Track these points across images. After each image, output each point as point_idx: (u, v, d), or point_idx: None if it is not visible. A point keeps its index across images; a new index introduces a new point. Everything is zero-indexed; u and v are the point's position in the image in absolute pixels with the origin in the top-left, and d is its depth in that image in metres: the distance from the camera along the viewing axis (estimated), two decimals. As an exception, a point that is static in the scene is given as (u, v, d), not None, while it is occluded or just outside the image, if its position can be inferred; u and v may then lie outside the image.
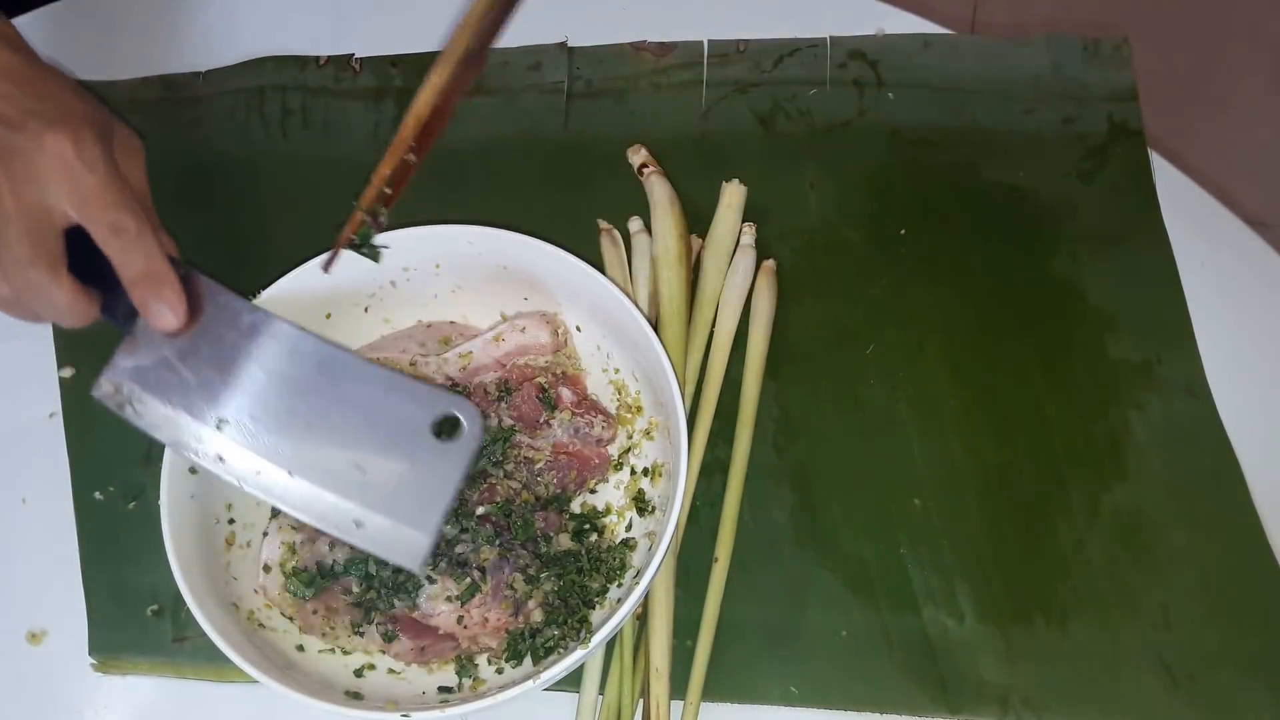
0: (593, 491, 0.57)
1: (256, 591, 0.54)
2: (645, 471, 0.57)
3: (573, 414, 0.57)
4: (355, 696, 0.51)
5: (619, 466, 0.58)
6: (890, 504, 0.59)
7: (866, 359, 0.63)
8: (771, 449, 0.61)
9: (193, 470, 0.53)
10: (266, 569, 0.54)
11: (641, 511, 0.56)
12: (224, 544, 0.54)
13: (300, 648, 0.53)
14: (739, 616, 0.56)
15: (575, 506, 0.57)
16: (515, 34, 0.73)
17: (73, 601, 0.58)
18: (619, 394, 0.59)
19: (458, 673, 0.53)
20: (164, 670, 0.57)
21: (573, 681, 0.55)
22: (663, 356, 0.53)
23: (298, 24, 0.75)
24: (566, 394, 0.58)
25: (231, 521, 0.55)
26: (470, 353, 0.58)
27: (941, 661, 0.55)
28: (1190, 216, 0.66)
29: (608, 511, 0.57)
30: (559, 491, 0.56)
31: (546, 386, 0.57)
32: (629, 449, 0.58)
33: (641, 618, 0.56)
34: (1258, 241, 0.65)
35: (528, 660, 0.52)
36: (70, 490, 0.61)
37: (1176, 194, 0.67)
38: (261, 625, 0.53)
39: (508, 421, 0.57)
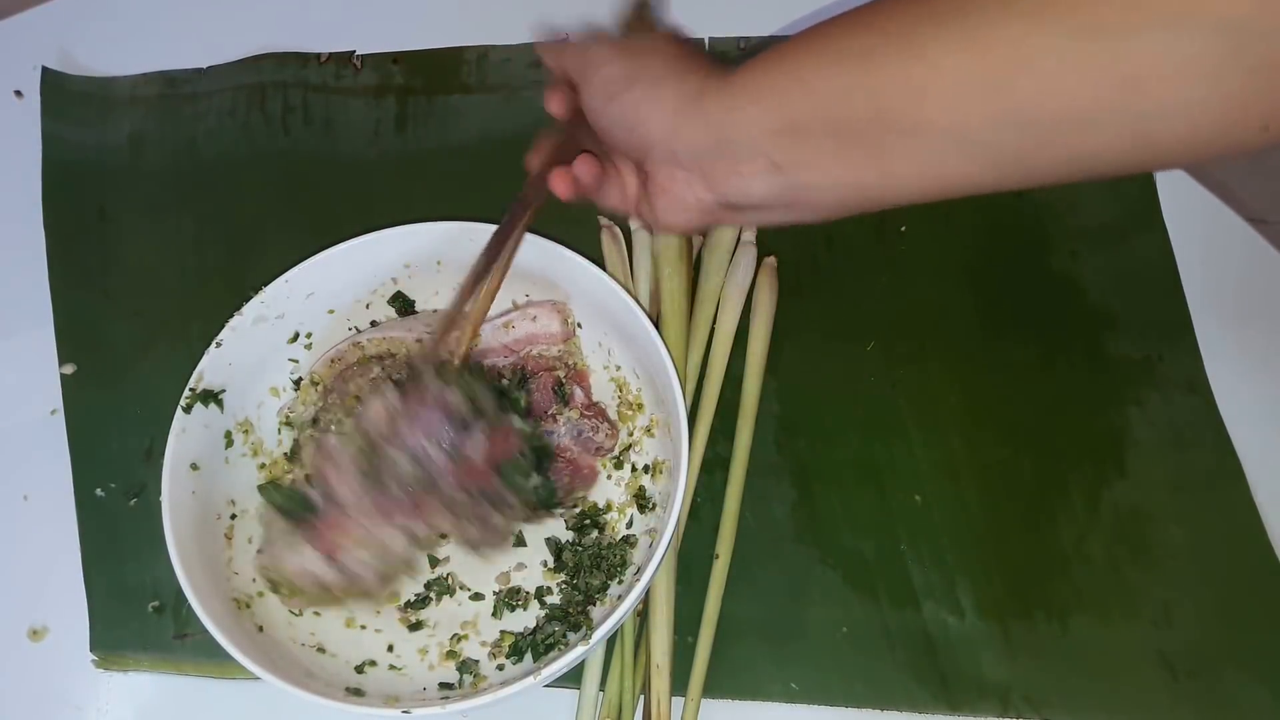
0: (574, 506, 0.57)
1: (254, 580, 0.54)
2: (646, 469, 0.57)
3: (581, 414, 0.57)
4: (356, 693, 0.50)
5: (620, 464, 0.58)
6: (890, 500, 0.59)
7: (867, 355, 0.63)
8: (772, 445, 0.61)
9: (194, 466, 0.53)
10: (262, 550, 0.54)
11: (642, 508, 0.56)
12: (224, 539, 0.54)
13: (302, 644, 0.53)
14: (740, 613, 0.56)
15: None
16: (516, 32, 0.73)
17: (74, 598, 0.58)
18: (620, 391, 0.59)
19: (458, 669, 0.53)
20: (165, 667, 0.57)
21: (574, 678, 0.55)
22: (664, 353, 0.53)
23: (299, 21, 0.75)
24: (579, 394, 0.58)
25: (234, 517, 0.55)
26: (479, 336, 0.58)
27: (942, 658, 0.55)
28: (1190, 213, 0.66)
29: (609, 508, 0.57)
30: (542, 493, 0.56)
31: (564, 380, 0.57)
32: (630, 446, 0.58)
33: (642, 614, 0.56)
34: (1257, 238, 0.66)
35: (528, 657, 0.52)
36: (71, 487, 0.61)
37: (1176, 191, 0.67)
38: (262, 628, 0.53)
39: (525, 406, 0.56)
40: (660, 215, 0.47)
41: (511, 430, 0.51)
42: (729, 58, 0.72)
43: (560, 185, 0.50)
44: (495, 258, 0.51)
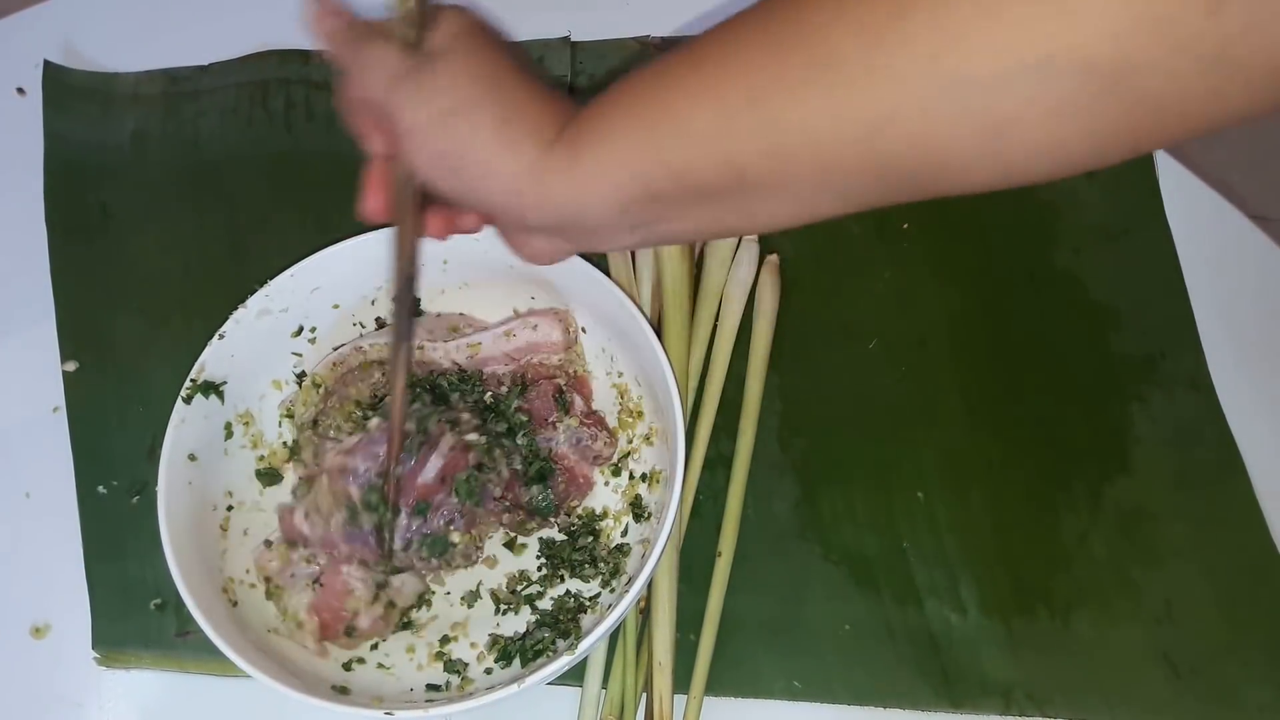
0: (568, 514, 0.57)
1: (247, 571, 0.54)
2: (644, 477, 0.57)
3: (580, 422, 0.57)
4: (342, 691, 0.50)
5: (617, 471, 0.58)
6: (893, 497, 0.59)
7: (870, 353, 0.63)
8: (775, 443, 0.61)
9: (192, 457, 0.53)
10: (268, 544, 0.54)
11: (638, 517, 0.56)
12: (220, 531, 0.54)
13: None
14: (742, 610, 0.56)
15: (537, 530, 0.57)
16: (519, 28, 0.73)
17: (76, 596, 0.58)
18: (621, 398, 0.59)
19: (446, 670, 0.53)
20: (167, 664, 0.57)
21: (576, 675, 0.55)
22: (664, 364, 0.53)
23: (300, 18, 0.75)
24: (579, 402, 0.57)
25: (230, 509, 0.55)
26: (479, 344, 0.58)
27: (944, 655, 0.55)
28: (1193, 211, 0.66)
29: (604, 515, 0.57)
30: (540, 503, 0.56)
31: (565, 388, 0.57)
32: (629, 453, 0.58)
33: (644, 611, 0.56)
34: (1260, 236, 0.66)
35: (516, 662, 0.52)
36: (73, 485, 0.61)
37: (1179, 188, 0.67)
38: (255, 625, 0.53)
39: (520, 418, 0.56)
40: (517, 254, 0.44)
41: (464, 446, 0.52)
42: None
43: (438, 231, 0.46)
44: (408, 336, 0.48)
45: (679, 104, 0.36)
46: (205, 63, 0.73)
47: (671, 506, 0.50)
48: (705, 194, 0.37)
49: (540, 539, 0.56)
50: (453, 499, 0.52)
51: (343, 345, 0.59)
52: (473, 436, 0.53)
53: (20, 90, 0.73)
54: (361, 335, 0.60)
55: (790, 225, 0.38)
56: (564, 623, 0.52)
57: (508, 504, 0.54)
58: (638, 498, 0.56)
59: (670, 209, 0.38)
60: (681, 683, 0.54)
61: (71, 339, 0.65)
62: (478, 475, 0.53)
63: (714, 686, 0.55)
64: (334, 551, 0.53)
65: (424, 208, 0.45)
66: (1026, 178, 0.34)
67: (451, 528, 0.52)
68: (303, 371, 0.59)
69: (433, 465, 0.52)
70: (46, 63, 0.72)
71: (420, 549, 0.52)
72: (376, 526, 0.51)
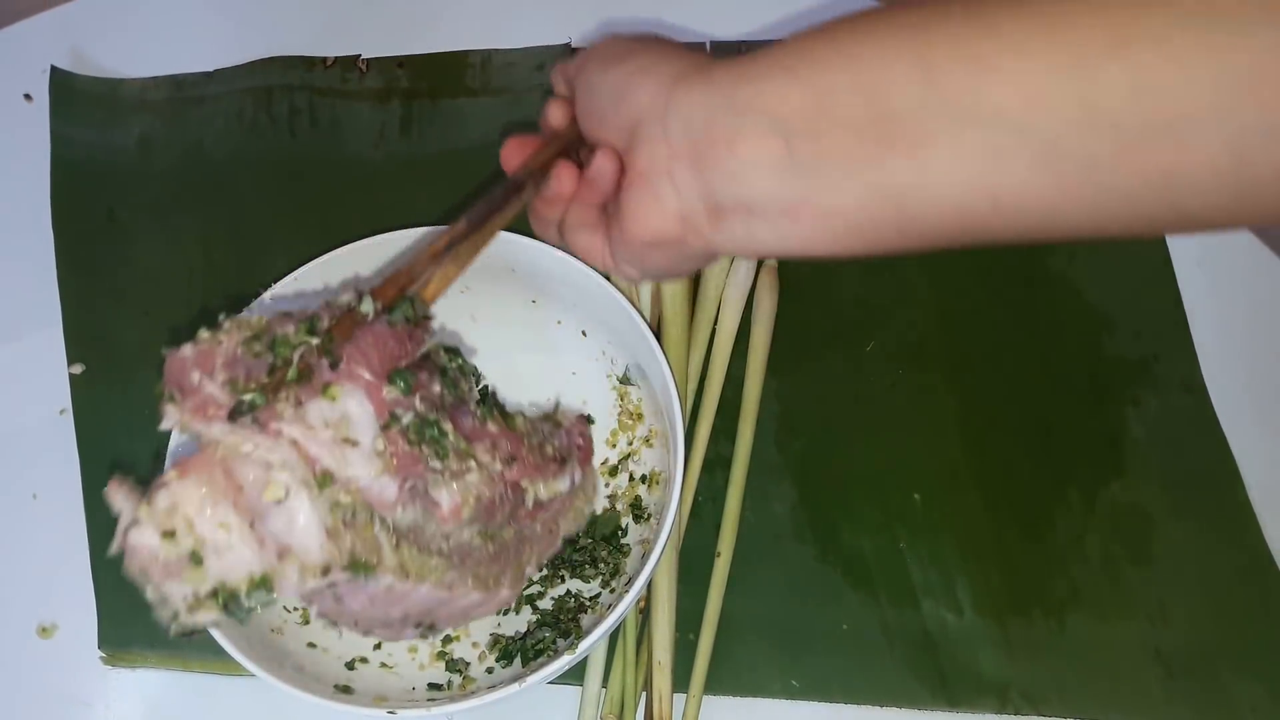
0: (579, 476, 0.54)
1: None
2: (643, 479, 0.57)
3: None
4: (345, 690, 0.51)
5: (616, 472, 0.58)
6: (890, 499, 0.60)
7: (866, 356, 0.63)
8: (773, 445, 0.61)
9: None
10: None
11: (638, 519, 0.57)
12: None
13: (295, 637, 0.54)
14: (741, 610, 0.57)
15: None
16: (520, 35, 0.74)
17: (83, 596, 0.59)
18: (621, 400, 0.59)
19: (448, 669, 0.54)
20: (172, 663, 0.57)
21: (577, 675, 0.55)
22: (664, 365, 0.53)
23: (304, 25, 0.76)
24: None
25: None
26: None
27: (941, 655, 0.56)
28: (1187, 216, 0.67)
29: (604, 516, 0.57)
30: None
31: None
32: (628, 455, 0.58)
33: (644, 611, 0.56)
34: (1253, 240, 0.66)
35: (517, 661, 0.53)
36: (80, 486, 0.61)
37: (1173, 194, 0.67)
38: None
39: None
40: (629, 219, 0.40)
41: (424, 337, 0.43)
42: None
43: (565, 177, 0.43)
44: (478, 228, 0.44)
45: (878, 12, 0.34)
46: (210, 69, 0.74)
47: (671, 507, 0.50)
48: (885, 111, 0.33)
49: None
50: (435, 386, 0.42)
51: None
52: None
53: (28, 96, 0.74)
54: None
55: (958, 212, 0.33)
56: (564, 622, 0.53)
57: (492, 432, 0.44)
58: (637, 499, 0.57)
59: (838, 129, 0.34)
60: (681, 682, 0.55)
61: (78, 342, 0.65)
62: (463, 364, 0.45)
63: (713, 685, 0.55)
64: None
65: (559, 159, 0.44)
66: (1254, 195, 0.29)
67: (440, 420, 0.41)
68: None
69: (407, 337, 0.42)
70: (53, 68, 0.73)
71: (410, 431, 0.40)
72: (282, 360, 0.39)
